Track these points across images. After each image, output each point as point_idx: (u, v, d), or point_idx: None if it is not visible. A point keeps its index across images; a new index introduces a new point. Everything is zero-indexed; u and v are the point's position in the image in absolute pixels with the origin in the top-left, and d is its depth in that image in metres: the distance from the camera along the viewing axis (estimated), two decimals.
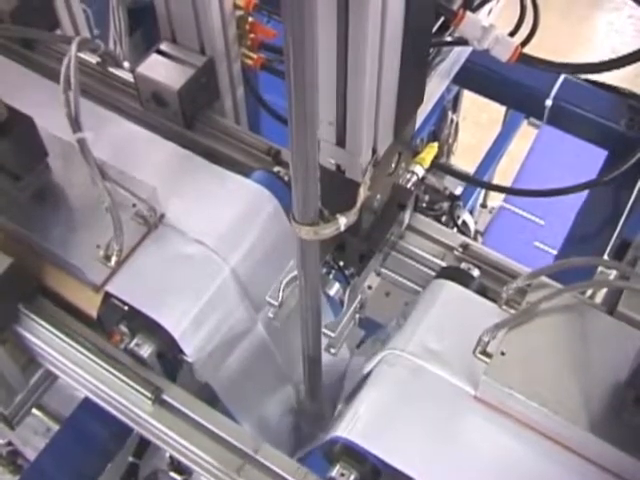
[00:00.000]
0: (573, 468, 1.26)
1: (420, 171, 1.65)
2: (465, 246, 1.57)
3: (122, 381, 1.45)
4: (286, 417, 1.75)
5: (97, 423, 1.75)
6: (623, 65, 1.45)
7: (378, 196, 1.42)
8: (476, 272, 1.52)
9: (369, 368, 1.42)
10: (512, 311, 1.37)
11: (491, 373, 1.28)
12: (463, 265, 1.54)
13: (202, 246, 1.50)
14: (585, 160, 2.26)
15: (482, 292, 1.49)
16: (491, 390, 1.28)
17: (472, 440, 1.29)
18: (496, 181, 4.05)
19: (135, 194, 1.46)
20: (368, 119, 1.25)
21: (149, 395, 1.42)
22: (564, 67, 1.60)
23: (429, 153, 1.69)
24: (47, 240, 1.48)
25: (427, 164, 1.67)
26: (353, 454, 1.32)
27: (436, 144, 1.72)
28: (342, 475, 1.33)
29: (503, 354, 1.29)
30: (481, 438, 1.29)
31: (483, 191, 4.03)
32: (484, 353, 1.32)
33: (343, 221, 1.20)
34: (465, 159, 3.97)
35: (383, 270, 1.67)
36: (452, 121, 3.78)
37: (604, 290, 1.49)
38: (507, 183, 4.00)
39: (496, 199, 4.09)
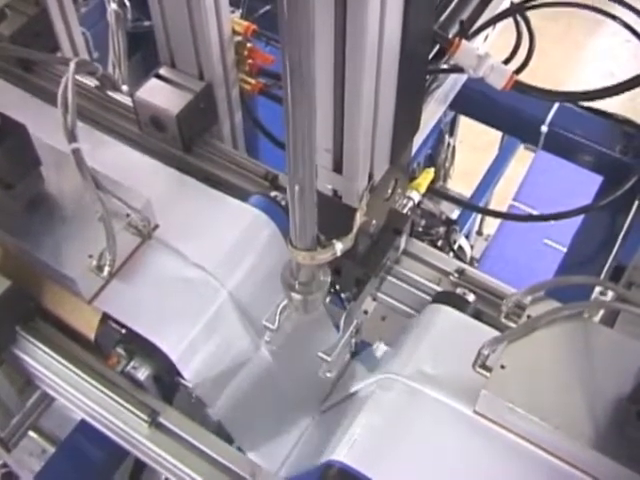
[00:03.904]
0: None
1: (416, 196, 1.66)
2: (461, 271, 1.59)
3: (118, 403, 1.46)
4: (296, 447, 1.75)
5: (93, 445, 1.75)
6: (617, 93, 1.47)
7: (374, 221, 1.43)
8: (471, 297, 1.53)
9: (356, 388, 1.42)
10: (512, 324, 1.37)
11: (491, 387, 1.28)
12: (459, 290, 1.55)
13: (200, 269, 1.50)
14: (582, 182, 2.28)
15: (477, 316, 1.49)
16: (491, 404, 1.28)
17: (473, 461, 1.30)
18: (493, 205, 4.07)
19: (128, 204, 1.47)
20: (364, 146, 1.27)
21: (145, 418, 1.43)
22: (558, 95, 1.62)
23: (425, 178, 1.70)
24: (39, 250, 1.47)
25: (423, 189, 1.68)
26: (349, 479, 1.32)
27: (432, 170, 1.73)
28: None
29: (503, 367, 1.29)
30: (482, 458, 1.30)
31: (479, 218, 4.04)
32: (483, 367, 1.32)
33: (339, 246, 1.21)
34: (462, 183, 3.98)
35: (379, 294, 1.67)
36: (449, 145, 3.80)
37: (600, 313, 1.49)
38: (504, 207, 4.03)
39: (492, 226, 4.11)
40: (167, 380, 1.50)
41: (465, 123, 3.69)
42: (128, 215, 1.49)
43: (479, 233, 4.18)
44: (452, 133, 3.76)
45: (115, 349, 1.52)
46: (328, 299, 1.86)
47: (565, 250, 2.23)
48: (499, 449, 1.30)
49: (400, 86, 1.29)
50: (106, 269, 1.45)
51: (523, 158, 4.08)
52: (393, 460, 1.31)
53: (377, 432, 1.34)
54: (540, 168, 4.13)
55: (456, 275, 1.58)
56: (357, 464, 1.30)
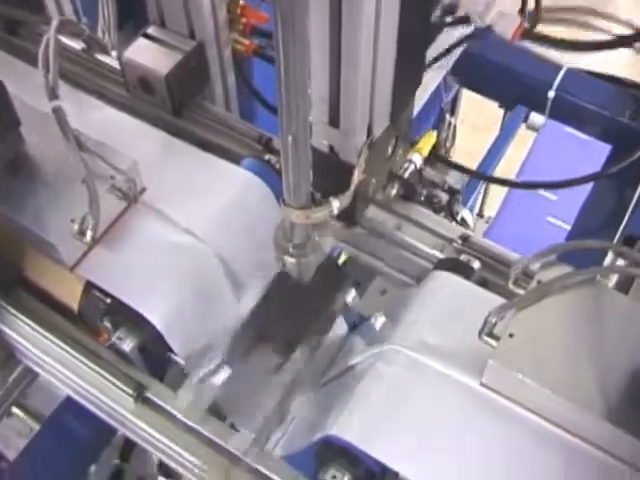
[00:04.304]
0: (588, 458, 1.18)
1: (418, 160, 1.58)
2: (465, 238, 1.50)
3: (103, 377, 1.38)
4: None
5: (79, 422, 1.67)
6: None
7: (373, 180, 1.35)
8: (477, 264, 1.45)
9: (355, 361, 1.35)
10: (520, 292, 1.29)
11: (499, 357, 1.19)
12: (463, 257, 1.46)
13: (189, 235, 1.43)
14: (586, 161, 2.19)
15: (483, 285, 1.41)
16: (498, 375, 1.20)
17: (479, 435, 1.22)
18: (493, 188, 4.00)
19: (113, 165, 1.38)
20: (363, 96, 1.18)
21: (131, 392, 1.35)
22: (571, 45, 1.53)
23: (427, 142, 1.62)
24: (19, 214, 1.39)
25: (425, 152, 1.60)
26: (347, 455, 1.24)
27: (434, 133, 1.64)
28: (334, 478, 1.25)
29: (512, 336, 1.20)
30: (488, 432, 1.21)
31: (480, 200, 3.96)
32: (491, 335, 1.23)
33: (336, 204, 1.13)
34: (463, 162, 3.90)
35: (378, 263, 1.59)
36: (450, 124, 3.72)
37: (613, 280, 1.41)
38: (504, 189, 3.96)
39: (493, 209, 4.04)
40: (155, 352, 1.42)
41: (467, 102, 3.63)
42: (112, 177, 1.40)
43: (480, 215, 4.11)
44: (453, 112, 3.68)
45: (103, 322, 1.44)
46: None
47: (569, 228, 2.15)
48: (507, 424, 1.22)
49: (401, 35, 1.21)
50: (89, 234, 1.36)
51: (524, 139, 4.01)
52: (393, 436, 1.23)
53: (376, 406, 1.26)
54: (542, 147, 4.06)
55: (460, 242, 1.50)
56: (355, 439, 1.22)
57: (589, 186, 2.09)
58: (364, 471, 1.25)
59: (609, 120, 2.01)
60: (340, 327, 1.67)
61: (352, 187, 1.18)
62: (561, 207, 3.60)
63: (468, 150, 4.23)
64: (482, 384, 1.24)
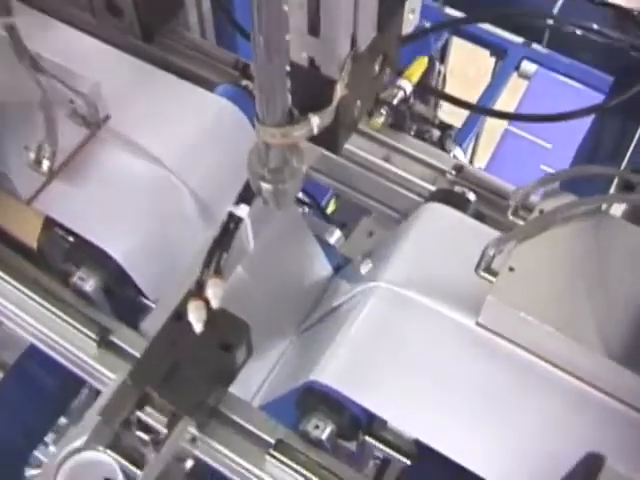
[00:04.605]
0: (592, 402, 1.08)
1: (408, 86, 1.45)
2: (459, 168, 1.38)
3: (65, 322, 1.26)
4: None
5: (44, 371, 1.54)
6: None
7: (358, 103, 1.22)
8: (472, 196, 1.33)
9: (339, 302, 1.23)
10: (521, 223, 1.17)
11: (498, 292, 1.07)
12: (457, 188, 1.34)
13: (158, 165, 1.31)
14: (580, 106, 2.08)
15: (480, 219, 1.29)
16: (497, 313, 1.09)
17: (475, 381, 1.10)
18: (485, 136, 3.88)
19: (72, 88, 1.26)
20: None
21: (94, 337, 1.23)
22: None
23: (418, 68, 1.49)
24: None
25: (415, 79, 1.47)
26: (330, 402, 1.13)
27: (426, 58, 1.51)
28: (316, 427, 1.14)
29: (512, 270, 1.08)
30: (487, 378, 1.10)
31: (470, 152, 3.84)
32: (488, 270, 1.11)
33: (316, 121, 1.01)
34: (453, 114, 3.80)
35: (364, 198, 1.47)
36: (440, 72, 3.61)
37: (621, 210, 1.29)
38: (497, 134, 3.85)
39: (483, 160, 3.92)
40: (121, 293, 1.30)
41: (457, 53, 3.52)
42: (72, 102, 1.27)
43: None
44: (443, 60, 3.58)
45: (65, 263, 1.32)
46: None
47: None
48: (507, 368, 1.11)
49: None
50: (45, 163, 1.23)
51: (516, 90, 3.90)
52: (379, 379, 1.12)
53: (362, 348, 1.15)
54: (534, 95, 3.94)
55: (453, 173, 1.37)
56: (339, 384, 1.11)
57: (584, 132, 1.97)
58: (349, 419, 1.14)
59: (612, 49, 1.88)
60: (324, 269, 1.56)
61: (334, 103, 1.05)
62: (555, 155, 3.49)
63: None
64: (478, 323, 1.12)
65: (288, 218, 1.53)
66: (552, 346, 1.07)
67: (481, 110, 2.18)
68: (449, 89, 3.69)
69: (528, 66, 3.34)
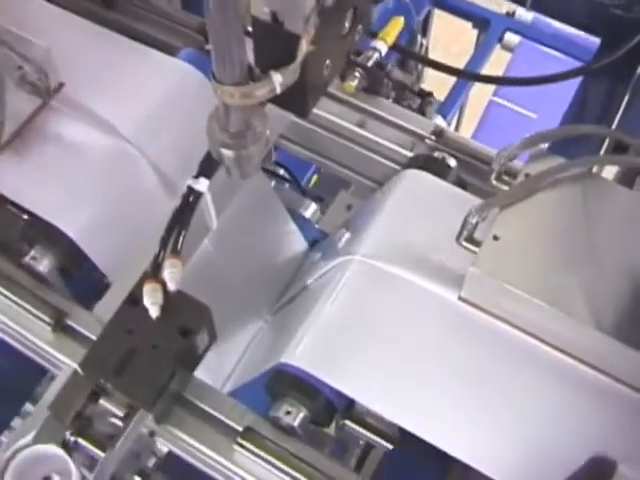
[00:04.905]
0: (585, 382, 1.00)
1: (383, 48, 1.37)
2: (439, 133, 1.29)
3: (17, 305, 1.17)
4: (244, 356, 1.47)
5: (2, 357, 1.46)
6: None
7: (328, 62, 1.13)
8: (453, 162, 1.24)
9: (312, 279, 1.15)
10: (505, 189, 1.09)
11: (481, 263, 0.98)
12: (437, 154, 1.25)
13: (115, 136, 1.21)
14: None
15: (461, 187, 1.21)
16: (481, 286, 1.00)
17: (457, 361, 1.02)
18: (470, 108, 3.80)
19: (20, 53, 1.16)
20: None
21: (48, 320, 1.14)
22: None
23: (393, 28, 1.40)
24: None
25: (391, 40, 1.39)
26: (302, 386, 1.05)
27: (402, 18, 1.42)
28: (288, 413, 1.05)
29: (496, 239, 1.00)
30: (470, 358, 1.02)
31: (454, 124, 3.76)
32: (470, 240, 1.02)
33: (278, 79, 0.92)
34: (435, 90, 3.72)
35: (338, 167, 1.39)
36: (422, 45, 3.53)
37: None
38: (482, 106, 3.77)
39: (467, 133, 3.84)
40: (77, 273, 1.21)
41: (439, 27, 3.43)
42: (20, 68, 1.18)
43: None
44: (425, 33, 3.49)
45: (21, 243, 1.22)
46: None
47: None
48: (492, 345, 1.03)
49: None
50: None
51: (499, 62, 3.81)
52: (356, 361, 1.03)
53: (336, 326, 1.06)
54: (518, 68, 3.86)
55: (433, 138, 1.29)
56: (311, 366, 1.02)
57: (569, 99, 1.89)
58: (322, 404, 1.05)
59: (597, 10, 1.79)
60: (299, 245, 1.47)
61: (298, 59, 0.96)
62: (541, 125, 3.41)
63: (439, 77, 4.04)
64: (461, 298, 1.04)
65: (258, 191, 1.44)
66: (541, 321, 0.98)
67: (466, 75, 2.09)
68: (429, 72, 3.62)
69: (512, 37, 3.25)
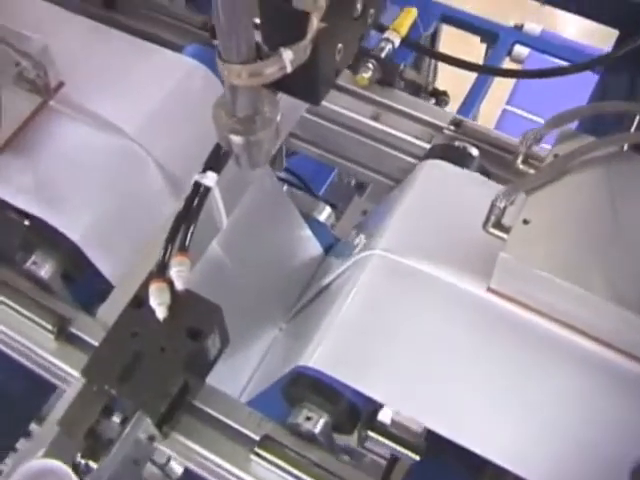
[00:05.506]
0: (625, 378, 0.92)
1: (396, 39, 1.31)
2: (458, 123, 1.23)
3: (19, 314, 1.11)
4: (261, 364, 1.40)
5: (6, 373, 1.39)
6: None
7: (340, 45, 1.07)
8: (475, 151, 1.17)
9: (330, 279, 1.08)
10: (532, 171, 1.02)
11: (512, 249, 0.91)
12: (457, 143, 1.19)
13: (120, 135, 1.16)
14: (578, 84, 1.94)
15: (485, 176, 1.14)
16: (512, 274, 0.92)
17: (487, 355, 0.95)
18: (481, 119, 3.76)
19: (18, 49, 1.10)
20: None
21: (50, 328, 1.08)
22: None
23: (406, 19, 1.35)
24: None
25: (404, 32, 1.33)
26: (323, 389, 0.97)
27: (414, 9, 1.37)
28: (308, 419, 0.98)
29: (526, 223, 0.92)
30: (500, 353, 0.95)
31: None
32: (499, 226, 0.95)
33: (289, 56, 0.85)
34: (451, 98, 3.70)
35: (352, 165, 1.33)
36: (430, 63, 3.50)
37: None
38: (495, 116, 3.73)
39: None
40: (81, 278, 1.15)
41: (448, 41, 3.40)
42: (18, 64, 1.12)
43: None
44: (433, 46, 3.46)
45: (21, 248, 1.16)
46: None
47: None
48: (525, 340, 0.96)
49: None
50: None
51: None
52: (379, 361, 0.96)
53: (357, 326, 0.99)
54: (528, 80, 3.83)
55: (452, 128, 1.22)
56: (331, 368, 0.95)
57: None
58: (346, 408, 0.98)
59: (615, 0, 1.73)
60: (314, 249, 1.41)
61: (309, 36, 0.90)
62: (555, 133, 3.37)
63: (450, 91, 4.00)
64: (490, 289, 0.97)
65: (270, 194, 1.38)
66: (580, 311, 0.91)
67: (484, 69, 2.02)
68: (441, 80, 3.58)
69: (521, 50, 3.21)
